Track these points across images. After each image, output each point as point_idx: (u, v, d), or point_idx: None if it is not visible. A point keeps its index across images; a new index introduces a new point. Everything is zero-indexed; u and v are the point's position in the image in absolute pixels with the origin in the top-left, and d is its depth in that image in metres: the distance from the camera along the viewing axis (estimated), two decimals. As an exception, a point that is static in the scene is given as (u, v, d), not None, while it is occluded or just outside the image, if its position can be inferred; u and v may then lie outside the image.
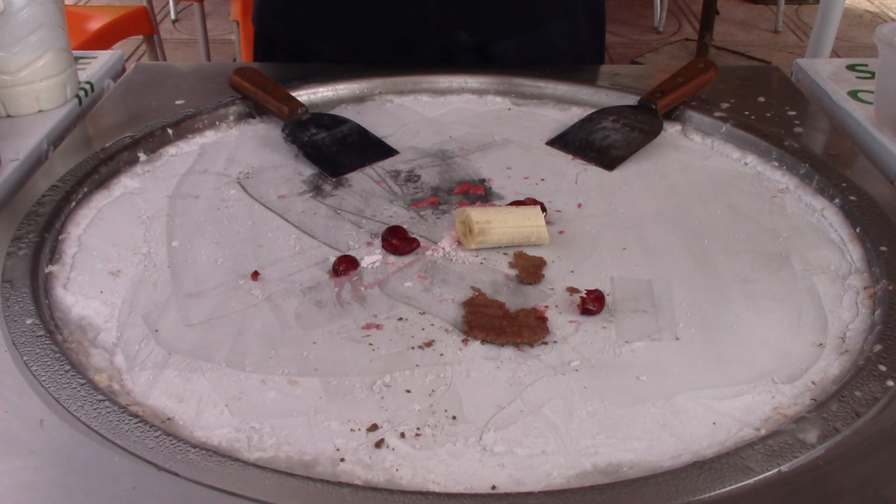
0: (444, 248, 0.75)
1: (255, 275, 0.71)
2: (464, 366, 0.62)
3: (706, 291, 0.70)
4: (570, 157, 0.92)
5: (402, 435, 0.55)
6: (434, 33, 1.08)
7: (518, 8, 1.09)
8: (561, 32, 1.13)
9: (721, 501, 0.50)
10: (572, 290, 0.70)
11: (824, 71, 1.10)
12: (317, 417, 0.57)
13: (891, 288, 0.67)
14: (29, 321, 0.62)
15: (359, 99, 1.03)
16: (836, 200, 0.80)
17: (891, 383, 0.58)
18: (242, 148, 0.93)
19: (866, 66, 1.11)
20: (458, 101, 1.04)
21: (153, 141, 0.90)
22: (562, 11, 1.12)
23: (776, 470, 0.51)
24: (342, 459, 0.53)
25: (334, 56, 1.11)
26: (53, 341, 0.60)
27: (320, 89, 1.02)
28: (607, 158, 0.91)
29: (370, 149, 0.92)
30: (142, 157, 0.88)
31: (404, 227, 0.77)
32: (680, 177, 0.88)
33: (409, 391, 0.59)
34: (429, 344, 0.64)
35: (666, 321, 0.66)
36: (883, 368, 0.59)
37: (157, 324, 0.65)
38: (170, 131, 0.91)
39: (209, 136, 0.94)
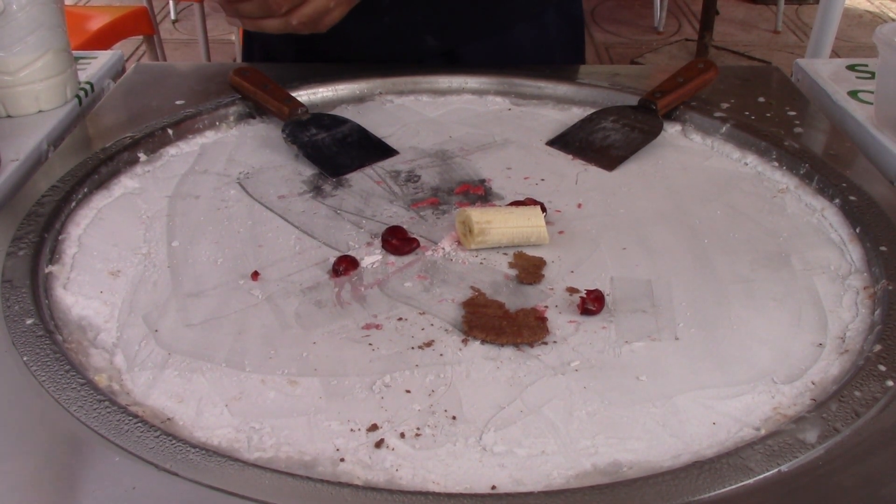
0: (444, 249, 0.75)
1: (255, 275, 0.71)
2: (464, 366, 0.62)
3: (706, 291, 0.70)
4: (570, 157, 0.92)
5: (402, 435, 0.55)
6: (399, 38, 1.08)
7: (483, 12, 1.09)
8: (529, 36, 1.13)
9: (721, 501, 0.50)
10: (572, 290, 0.70)
11: (824, 71, 1.10)
12: (317, 417, 0.57)
13: (891, 288, 0.67)
14: (29, 321, 0.62)
15: (359, 99, 1.03)
16: (836, 200, 0.80)
17: (891, 383, 0.58)
18: (242, 148, 0.93)
19: (866, 66, 1.11)
20: (458, 101, 1.04)
21: (153, 141, 0.90)
22: (529, 15, 1.12)
23: (776, 470, 0.51)
24: (342, 459, 0.53)
25: (300, 58, 1.13)
26: (53, 341, 0.60)
27: (320, 89, 1.02)
28: (607, 158, 0.91)
29: (370, 149, 0.92)
30: (142, 157, 0.88)
31: (404, 227, 0.77)
32: (680, 177, 0.88)
33: (408, 391, 0.59)
34: (429, 344, 0.64)
35: (666, 321, 0.66)
36: (883, 368, 0.59)
37: (157, 324, 0.65)
38: (170, 131, 0.91)
39: (209, 137, 0.94)
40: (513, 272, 0.73)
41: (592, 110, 0.99)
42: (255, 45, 1.23)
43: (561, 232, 0.78)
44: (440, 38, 1.09)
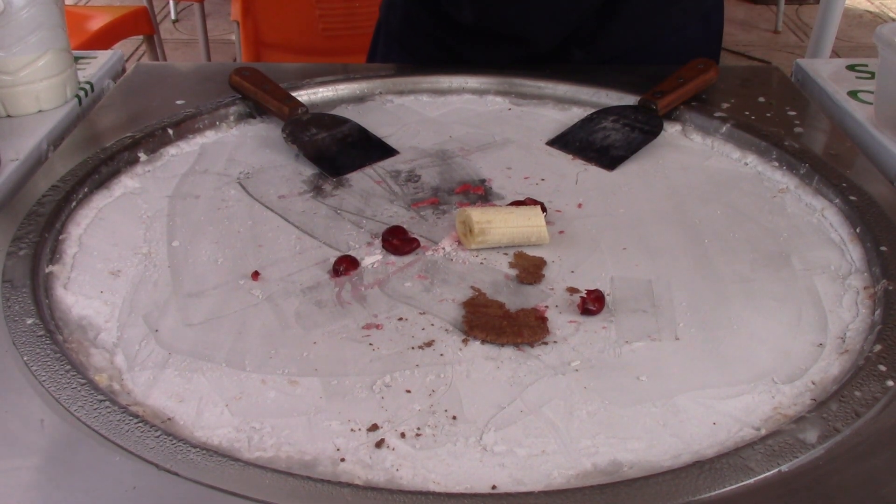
0: (444, 248, 0.75)
1: (256, 275, 0.71)
2: (464, 366, 0.62)
3: (706, 291, 0.70)
4: (570, 157, 0.92)
5: (403, 435, 0.55)
6: (548, 51, 1.10)
7: (630, 28, 1.09)
8: (672, 48, 1.12)
9: (721, 501, 0.50)
10: (572, 290, 0.70)
11: (824, 71, 1.10)
12: (317, 417, 0.57)
13: (891, 288, 0.67)
14: (29, 321, 0.62)
15: (359, 99, 1.03)
16: (836, 200, 0.80)
17: (891, 383, 0.58)
18: (243, 148, 0.93)
19: (866, 66, 1.11)
20: (459, 101, 1.04)
21: (153, 141, 0.90)
22: (674, 28, 1.12)
23: (776, 470, 0.52)
24: (342, 459, 0.53)
25: (442, 57, 1.13)
26: (54, 341, 0.60)
27: (320, 89, 1.02)
28: (607, 158, 0.91)
29: (370, 149, 0.92)
30: (142, 157, 0.88)
31: (404, 227, 0.77)
32: (680, 177, 0.88)
33: (409, 391, 0.59)
34: (429, 344, 0.64)
35: (666, 321, 0.66)
36: (883, 368, 0.59)
37: (157, 324, 0.65)
38: (170, 131, 0.91)
39: (209, 136, 0.94)
40: (513, 272, 0.73)
41: (592, 110, 0.99)
42: (390, 40, 1.21)
43: (561, 232, 0.78)
44: (587, 52, 1.10)
